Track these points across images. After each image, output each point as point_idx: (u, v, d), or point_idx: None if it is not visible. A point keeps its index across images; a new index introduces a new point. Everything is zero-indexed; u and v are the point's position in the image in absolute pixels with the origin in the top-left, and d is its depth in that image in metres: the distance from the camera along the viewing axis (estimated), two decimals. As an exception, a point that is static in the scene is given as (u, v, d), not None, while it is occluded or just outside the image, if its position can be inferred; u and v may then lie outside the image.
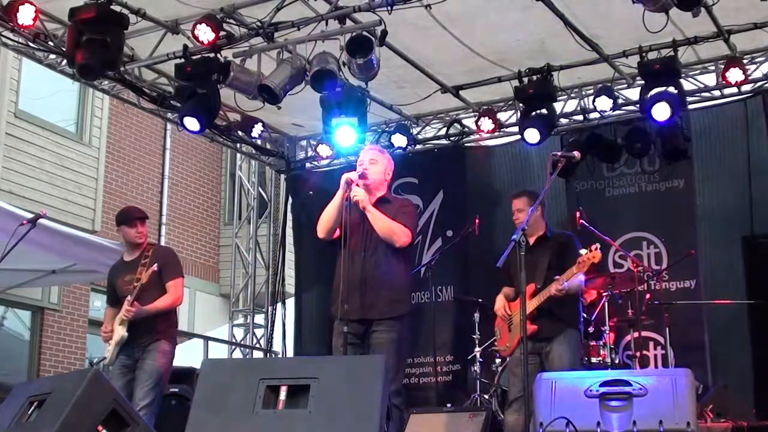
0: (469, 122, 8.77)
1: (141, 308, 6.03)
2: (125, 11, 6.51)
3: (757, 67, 7.65)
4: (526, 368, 4.82)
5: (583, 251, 5.72)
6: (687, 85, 7.65)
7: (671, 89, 7.09)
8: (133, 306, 6.01)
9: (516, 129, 8.26)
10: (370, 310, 5.02)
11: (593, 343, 7.10)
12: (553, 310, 5.61)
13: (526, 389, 4.73)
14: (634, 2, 5.88)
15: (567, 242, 6.05)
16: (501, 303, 6.08)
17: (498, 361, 7.39)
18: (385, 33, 6.37)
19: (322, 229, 5.20)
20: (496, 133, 8.57)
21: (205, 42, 6.51)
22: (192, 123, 7.09)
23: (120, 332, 6.06)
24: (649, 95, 7.13)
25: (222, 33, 6.58)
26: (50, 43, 7.07)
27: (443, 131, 9.00)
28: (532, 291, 5.71)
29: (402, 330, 5.07)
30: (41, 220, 6.48)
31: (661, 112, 7.08)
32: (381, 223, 5.10)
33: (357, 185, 5.14)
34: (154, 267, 6.12)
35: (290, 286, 10.84)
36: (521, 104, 7.80)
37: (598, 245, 5.71)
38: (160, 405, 6.21)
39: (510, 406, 5.87)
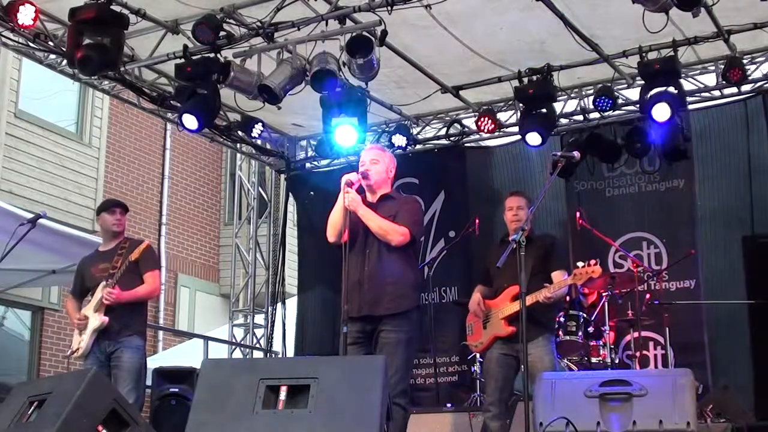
0: (469, 122, 8.77)
1: (122, 293, 6.04)
2: (125, 11, 6.51)
3: (757, 67, 7.65)
4: (526, 369, 4.82)
5: (580, 264, 5.70)
6: (687, 85, 7.65)
7: (671, 89, 7.10)
8: (115, 289, 6.01)
9: (516, 129, 8.27)
10: (373, 307, 5.00)
11: (593, 343, 7.09)
12: (532, 314, 5.55)
13: (526, 390, 4.73)
14: (634, 2, 5.88)
15: (551, 246, 6.02)
16: (477, 299, 5.98)
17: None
18: (385, 33, 6.37)
19: (331, 234, 5.18)
20: (496, 133, 8.58)
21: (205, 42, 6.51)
22: (190, 121, 7.08)
23: (98, 318, 6.03)
24: (649, 97, 7.13)
25: (222, 33, 6.58)
26: (50, 43, 7.07)
27: (443, 131, 8.99)
28: (515, 293, 5.64)
29: (410, 329, 5.04)
30: (41, 220, 6.48)
31: (661, 112, 7.09)
32: (373, 223, 5.08)
33: (353, 187, 5.11)
34: (145, 243, 6.17)
35: (291, 286, 10.84)
36: (521, 104, 7.80)
37: (597, 260, 5.68)
38: (143, 402, 6.20)
39: (488, 410, 5.75)
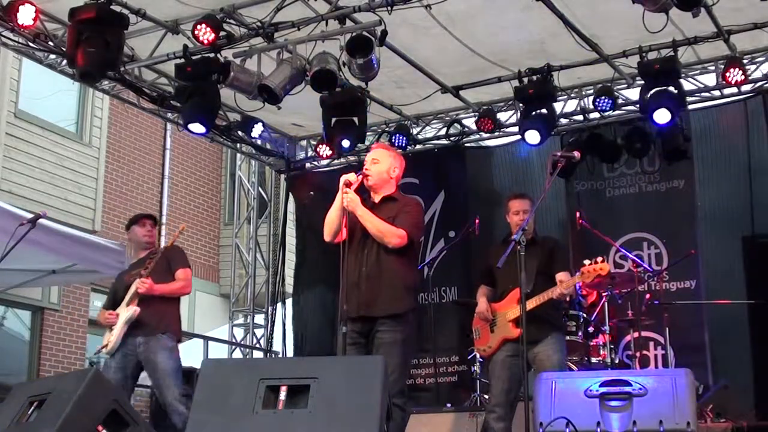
0: (469, 122, 8.77)
1: (154, 284, 6.08)
2: (125, 11, 6.52)
3: (757, 67, 7.65)
4: (525, 369, 4.82)
5: (586, 261, 5.69)
6: (687, 85, 7.66)
7: (671, 89, 7.10)
8: (149, 279, 6.05)
9: (516, 129, 8.27)
10: (370, 308, 4.99)
11: (593, 343, 7.09)
12: (540, 315, 5.54)
13: (526, 390, 4.73)
14: (634, 2, 5.88)
15: (555, 247, 6.01)
16: (484, 304, 5.98)
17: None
18: (385, 33, 6.37)
19: (327, 233, 5.17)
20: (496, 133, 8.58)
21: (205, 42, 6.51)
22: (197, 127, 7.22)
23: (131, 309, 6.06)
24: (649, 97, 7.14)
25: (222, 33, 6.59)
26: (50, 43, 7.07)
27: (443, 131, 9.00)
28: (520, 295, 5.65)
29: (407, 329, 5.03)
30: (41, 220, 6.47)
31: (662, 116, 7.14)
32: (370, 224, 5.06)
33: (352, 187, 5.09)
34: (182, 226, 6.39)
35: (290, 286, 10.84)
36: (521, 104, 7.81)
37: (604, 257, 5.68)
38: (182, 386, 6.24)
39: (492, 411, 5.75)
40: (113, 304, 6.32)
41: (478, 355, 7.55)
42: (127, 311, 6.08)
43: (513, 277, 5.51)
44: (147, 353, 6.08)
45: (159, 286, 6.11)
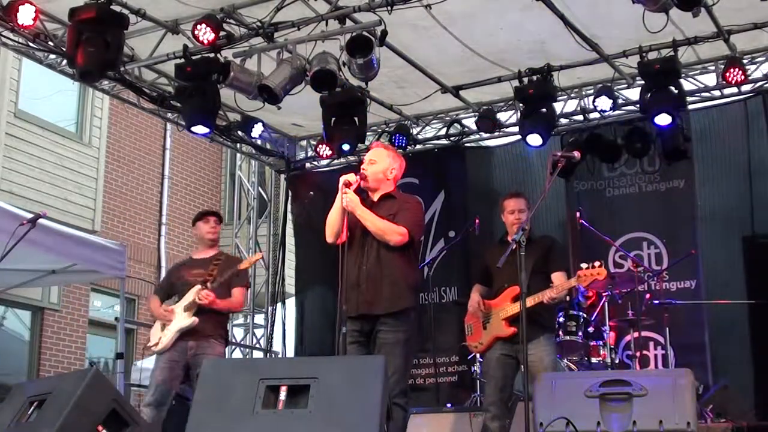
0: (469, 122, 8.77)
1: (216, 299, 6.22)
2: (125, 11, 6.52)
3: (757, 67, 7.65)
4: (526, 369, 4.83)
5: (583, 265, 5.69)
6: (687, 85, 7.66)
7: (671, 89, 7.10)
8: (213, 293, 6.18)
9: (516, 129, 8.27)
10: (371, 306, 4.99)
11: (593, 343, 7.09)
12: (532, 315, 5.50)
13: (526, 390, 4.73)
14: (634, 2, 5.88)
15: (553, 246, 6.03)
16: (477, 300, 5.99)
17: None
18: (385, 33, 6.37)
19: (329, 234, 5.17)
20: (496, 133, 8.58)
21: (205, 42, 6.52)
22: (200, 129, 7.30)
23: (189, 318, 6.21)
24: (649, 98, 7.14)
25: (222, 33, 6.59)
26: (50, 43, 7.07)
27: (443, 131, 9.00)
28: (515, 294, 5.63)
29: (409, 329, 5.03)
30: (41, 220, 6.47)
31: (663, 120, 7.19)
32: (370, 224, 5.06)
33: (351, 187, 5.09)
34: (261, 254, 6.55)
35: (290, 286, 10.84)
36: (521, 104, 7.81)
37: (602, 262, 5.68)
38: None
39: (487, 410, 5.76)
40: (167, 292, 6.53)
41: (478, 356, 7.55)
42: (185, 320, 6.24)
43: (508, 276, 5.54)
44: (199, 357, 6.17)
45: (220, 301, 6.27)
